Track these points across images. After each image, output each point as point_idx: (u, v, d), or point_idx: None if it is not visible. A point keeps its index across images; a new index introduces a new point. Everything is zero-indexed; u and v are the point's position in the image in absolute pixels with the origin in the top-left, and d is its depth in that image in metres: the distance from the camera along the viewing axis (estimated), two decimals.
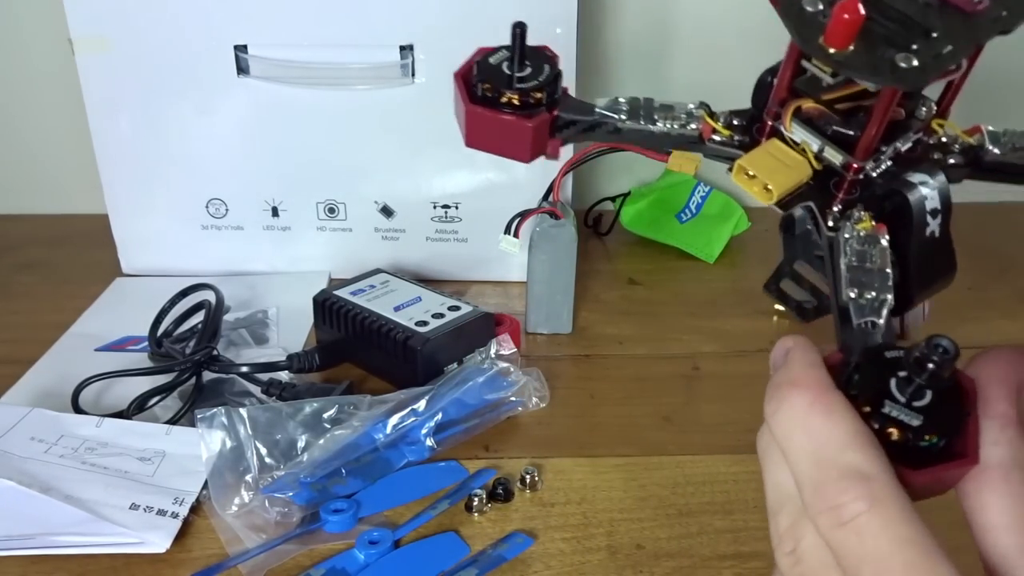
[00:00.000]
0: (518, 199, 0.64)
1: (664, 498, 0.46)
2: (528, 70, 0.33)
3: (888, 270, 0.27)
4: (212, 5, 0.63)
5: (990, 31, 0.27)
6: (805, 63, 0.29)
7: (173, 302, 0.60)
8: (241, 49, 0.64)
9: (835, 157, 0.30)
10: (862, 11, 0.25)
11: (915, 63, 0.25)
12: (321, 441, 0.46)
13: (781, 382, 0.22)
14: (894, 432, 0.22)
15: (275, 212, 0.69)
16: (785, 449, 0.22)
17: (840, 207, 0.29)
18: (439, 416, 0.49)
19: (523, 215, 0.60)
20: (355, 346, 0.57)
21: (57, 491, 0.43)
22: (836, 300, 0.28)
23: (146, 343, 0.57)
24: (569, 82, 0.67)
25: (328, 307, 0.58)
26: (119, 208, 0.70)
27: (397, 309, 0.56)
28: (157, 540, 0.41)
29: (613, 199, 0.83)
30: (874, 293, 0.27)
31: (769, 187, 0.29)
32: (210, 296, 0.60)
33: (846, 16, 0.25)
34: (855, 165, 0.29)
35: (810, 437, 0.21)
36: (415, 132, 0.67)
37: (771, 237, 0.87)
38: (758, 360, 0.59)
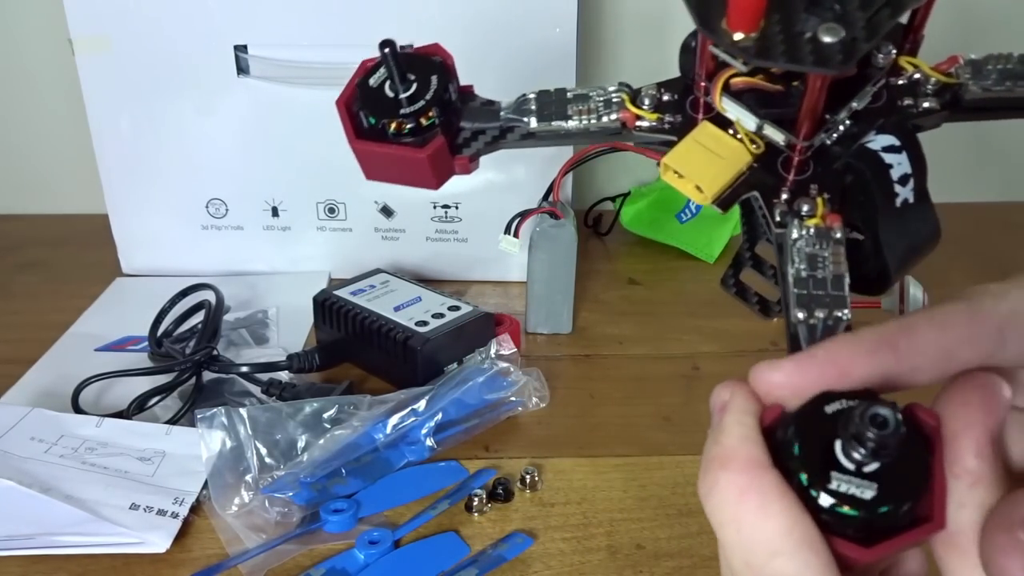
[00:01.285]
0: (518, 199, 0.64)
1: (664, 498, 0.46)
2: (413, 87, 0.28)
3: (843, 274, 0.23)
4: (212, 5, 0.63)
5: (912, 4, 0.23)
6: (713, 49, 0.25)
7: (173, 302, 0.60)
8: (241, 49, 0.64)
9: (777, 136, 0.25)
10: None
11: (842, 35, 0.21)
12: (321, 441, 0.46)
13: (713, 457, 0.20)
14: (846, 508, 0.18)
15: (275, 212, 0.69)
16: (720, 539, 0.20)
17: (790, 193, 0.25)
18: (439, 416, 0.49)
19: (523, 215, 0.60)
20: (355, 346, 0.57)
21: (57, 491, 0.43)
22: (786, 320, 0.24)
23: (146, 343, 0.57)
24: (569, 82, 0.67)
25: (328, 307, 0.58)
26: (119, 208, 0.70)
27: (397, 309, 0.56)
28: (157, 540, 0.41)
29: (613, 199, 0.83)
30: (826, 311, 0.23)
31: (700, 187, 0.25)
32: (210, 296, 0.60)
33: None
34: (799, 145, 0.24)
35: (740, 536, 0.19)
36: None
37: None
38: (758, 360, 0.60)
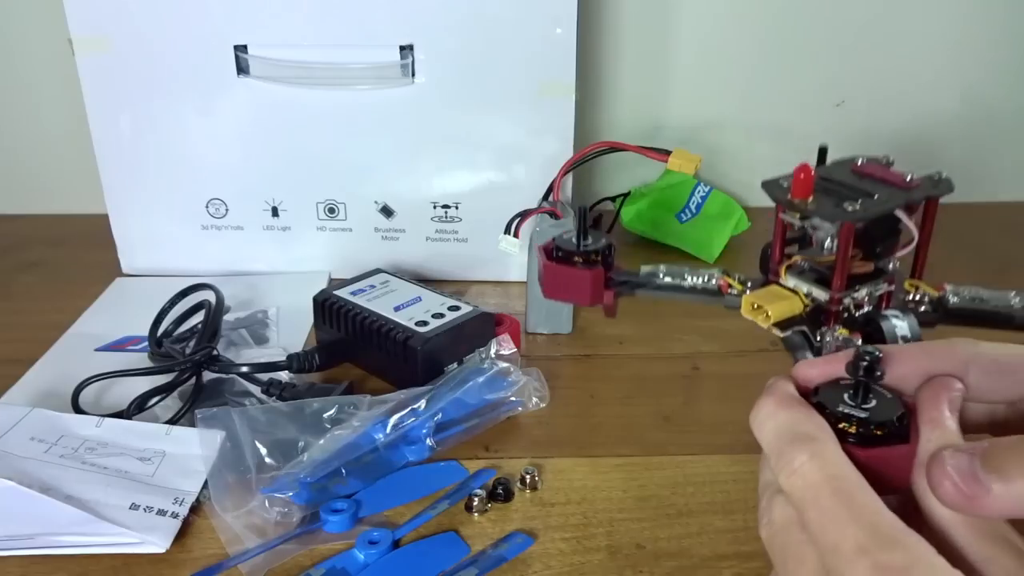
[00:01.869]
0: (518, 199, 0.64)
1: (664, 498, 0.46)
2: (589, 240, 0.43)
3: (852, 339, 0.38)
4: (212, 5, 0.63)
5: (920, 196, 0.38)
6: (781, 215, 0.40)
7: (173, 302, 0.60)
8: (241, 49, 0.64)
9: (821, 295, 0.39)
10: (812, 171, 0.37)
11: (858, 207, 0.36)
12: (321, 441, 0.46)
13: (760, 399, 0.30)
14: (849, 422, 0.28)
15: (275, 212, 0.69)
16: (760, 438, 0.29)
17: (828, 331, 0.38)
18: (439, 416, 0.49)
19: (523, 215, 0.60)
20: (355, 346, 0.57)
21: (57, 491, 0.43)
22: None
23: (146, 343, 0.57)
24: (569, 82, 0.67)
25: (328, 307, 0.58)
26: (119, 208, 0.70)
27: (397, 309, 0.56)
28: (157, 540, 0.41)
29: (613, 199, 0.83)
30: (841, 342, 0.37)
31: (769, 313, 0.38)
32: (210, 296, 0.60)
33: (802, 176, 0.37)
34: (836, 297, 0.38)
35: (775, 422, 0.29)
36: (415, 132, 0.67)
37: (771, 237, 0.86)
38: (758, 360, 0.60)
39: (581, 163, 0.63)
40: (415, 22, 0.63)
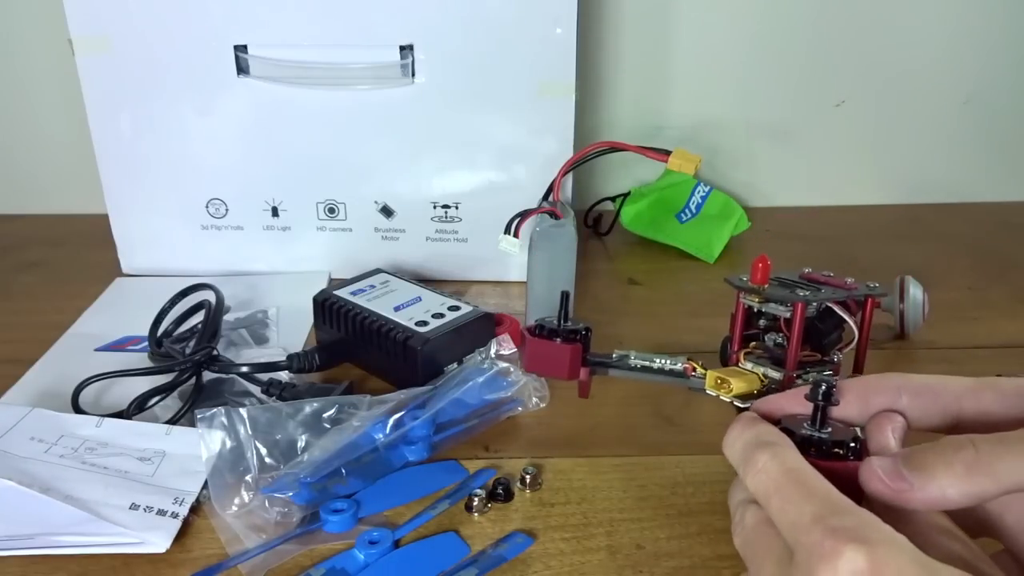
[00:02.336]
0: (518, 199, 0.64)
1: (664, 498, 0.46)
2: (569, 323, 0.46)
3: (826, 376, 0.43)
4: (212, 5, 0.63)
5: (861, 294, 0.46)
6: (742, 298, 0.47)
7: (173, 302, 0.60)
8: (241, 49, 0.64)
9: (775, 375, 0.45)
10: (769, 264, 0.45)
11: (808, 293, 0.45)
12: (321, 441, 0.46)
13: (729, 426, 0.35)
14: (807, 444, 0.33)
15: (275, 212, 0.69)
16: (730, 457, 0.34)
17: None
18: (439, 416, 0.49)
19: (523, 215, 0.60)
20: (355, 346, 0.57)
21: (57, 491, 0.43)
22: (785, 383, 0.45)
23: (146, 343, 0.57)
24: (569, 82, 0.67)
25: (328, 307, 0.58)
26: (119, 208, 0.70)
27: (397, 309, 0.56)
28: (157, 540, 0.41)
29: (613, 199, 0.83)
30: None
31: (731, 386, 0.43)
32: (210, 296, 0.60)
33: (760, 265, 0.44)
34: (789, 375, 0.44)
35: (743, 439, 0.33)
36: (415, 132, 0.67)
37: (771, 238, 0.87)
38: None
39: (581, 163, 0.63)
40: (415, 22, 0.63)
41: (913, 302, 0.61)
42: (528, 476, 0.46)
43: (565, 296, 0.46)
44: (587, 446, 0.50)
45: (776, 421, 0.35)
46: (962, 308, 0.68)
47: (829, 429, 0.33)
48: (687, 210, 0.81)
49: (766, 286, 0.44)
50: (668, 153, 0.60)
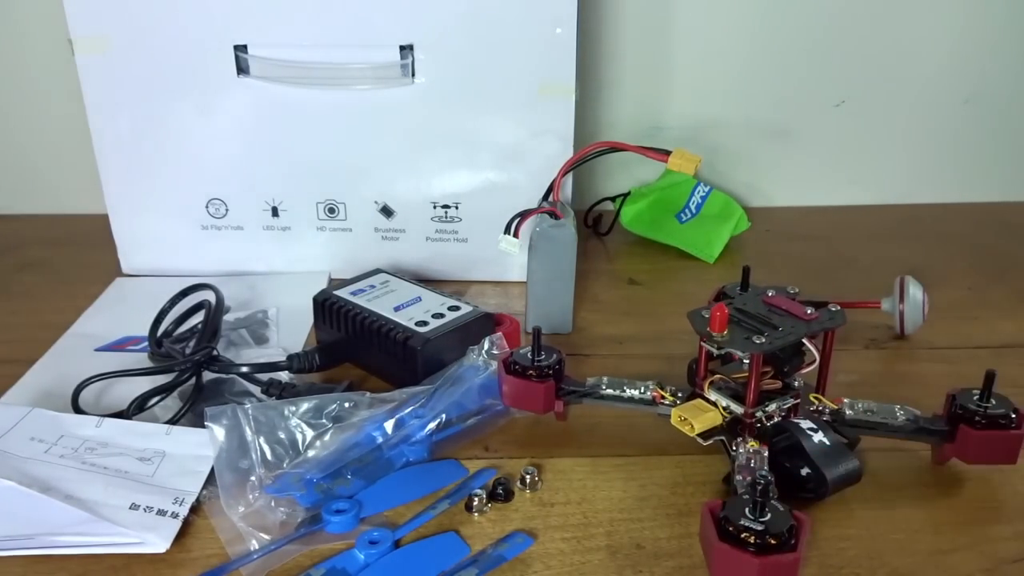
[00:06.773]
0: (518, 199, 0.64)
1: (664, 498, 0.46)
2: (542, 356, 0.49)
3: (764, 469, 0.42)
4: (212, 5, 0.63)
5: (818, 328, 0.46)
6: (703, 343, 0.47)
7: (173, 302, 0.60)
8: (241, 49, 0.64)
9: (737, 409, 0.46)
10: (727, 311, 0.45)
11: (763, 340, 0.44)
12: (324, 439, 0.46)
13: None
14: (746, 534, 0.36)
15: (275, 212, 0.70)
16: None
17: (742, 441, 0.45)
18: (439, 416, 0.49)
19: (523, 215, 0.60)
20: (355, 346, 0.57)
21: (57, 491, 0.43)
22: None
23: (146, 343, 0.57)
24: (569, 83, 0.67)
25: (328, 307, 0.58)
26: (119, 208, 0.70)
27: (397, 309, 0.56)
28: (157, 540, 0.41)
29: (613, 199, 0.83)
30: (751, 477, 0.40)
31: (694, 425, 0.45)
32: (210, 296, 0.60)
33: (718, 314, 0.44)
34: (748, 412, 0.46)
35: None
36: (415, 132, 0.67)
37: (771, 237, 0.87)
38: None
39: (581, 163, 0.63)
40: (415, 22, 0.63)
41: (913, 302, 0.61)
42: (528, 476, 0.46)
43: (537, 332, 0.49)
44: (587, 446, 0.50)
45: (722, 503, 0.38)
46: (962, 308, 0.68)
47: (768, 515, 0.36)
48: (687, 210, 0.81)
49: (724, 333, 0.44)
50: (668, 153, 0.60)
